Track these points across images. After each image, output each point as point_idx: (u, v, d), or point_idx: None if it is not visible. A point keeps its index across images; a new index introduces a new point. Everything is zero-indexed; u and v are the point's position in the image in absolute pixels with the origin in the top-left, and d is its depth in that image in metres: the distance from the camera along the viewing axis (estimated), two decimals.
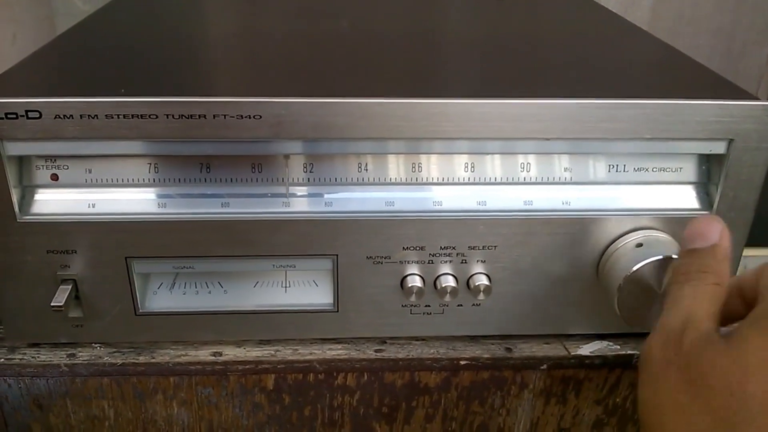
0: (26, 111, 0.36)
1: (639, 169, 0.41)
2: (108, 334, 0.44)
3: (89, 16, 0.58)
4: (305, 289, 0.44)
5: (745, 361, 0.28)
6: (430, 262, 0.42)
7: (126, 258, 0.41)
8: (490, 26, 0.61)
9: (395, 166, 0.41)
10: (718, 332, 0.31)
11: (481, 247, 0.42)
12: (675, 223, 0.41)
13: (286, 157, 0.40)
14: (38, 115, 0.36)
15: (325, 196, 0.41)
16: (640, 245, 0.40)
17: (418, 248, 0.42)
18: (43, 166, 0.39)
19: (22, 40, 0.81)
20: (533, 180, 0.41)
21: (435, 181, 0.41)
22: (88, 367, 0.43)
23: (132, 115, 0.36)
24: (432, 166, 0.41)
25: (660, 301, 0.37)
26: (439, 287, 0.42)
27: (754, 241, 0.43)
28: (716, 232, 0.35)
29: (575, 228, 0.41)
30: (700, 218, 0.36)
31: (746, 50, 1.18)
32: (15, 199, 0.38)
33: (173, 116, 0.37)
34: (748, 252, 0.44)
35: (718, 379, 0.29)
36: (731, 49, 1.17)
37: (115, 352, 0.44)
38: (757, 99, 0.39)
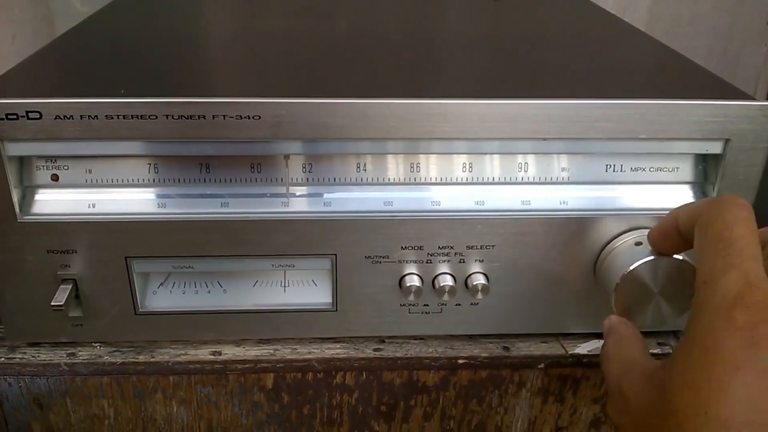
0: (27, 112, 0.36)
1: (636, 169, 0.42)
2: (108, 333, 0.44)
3: (89, 17, 0.59)
4: (304, 289, 0.44)
5: (669, 379, 0.29)
6: (429, 261, 0.42)
7: (126, 258, 0.41)
8: (487, 27, 0.62)
9: (394, 166, 0.41)
10: (650, 366, 0.33)
11: (479, 247, 0.42)
12: None
13: (286, 157, 0.40)
14: (38, 116, 0.36)
15: (324, 196, 0.41)
16: (638, 244, 0.40)
17: (416, 248, 0.42)
18: (43, 166, 0.39)
19: (22, 41, 0.81)
20: (531, 180, 0.42)
21: (433, 181, 0.41)
22: (88, 366, 0.43)
23: (132, 116, 0.37)
24: (430, 166, 0.41)
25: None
26: (437, 286, 0.42)
27: None
28: (605, 325, 0.39)
29: (573, 227, 0.42)
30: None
31: (744, 51, 1.18)
32: (15, 199, 0.39)
33: (173, 117, 0.37)
34: None
35: (648, 404, 0.31)
36: (729, 50, 1.17)
37: (114, 351, 0.44)
38: (753, 99, 0.39)
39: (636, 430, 0.32)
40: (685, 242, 0.34)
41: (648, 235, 0.38)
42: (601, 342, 0.45)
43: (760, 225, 0.31)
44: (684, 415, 0.27)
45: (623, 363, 0.35)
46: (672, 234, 0.35)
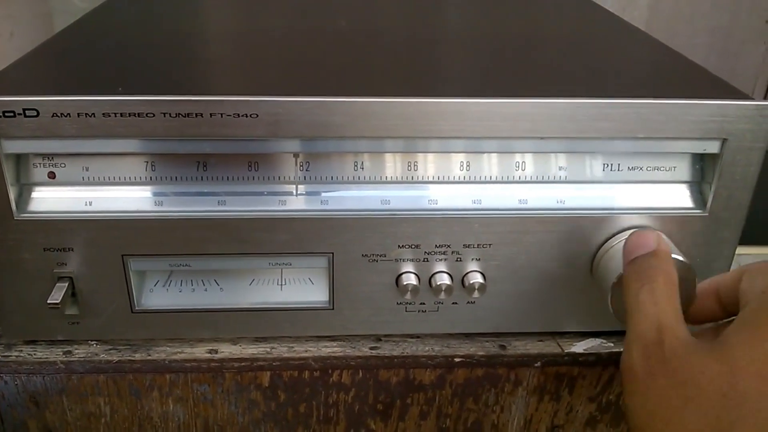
0: (24, 109, 0.36)
1: (633, 168, 0.42)
2: (104, 331, 0.44)
3: (87, 14, 0.59)
4: (301, 287, 0.44)
5: (734, 363, 0.29)
6: (425, 260, 0.42)
7: (122, 256, 0.41)
8: (486, 25, 0.61)
9: (391, 165, 0.41)
10: (691, 336, 0.32)
11: (476, 246, 0.42)
12: (669, 221, 0.42)
13: (283, 155, 0.40)
14: (36, 114, 0.36)
15: (322, 194, 0.41)
16: None
17: (413, 246, 0.42)
18: (40, 164, 0.39)
19: (20, 37, 0.81)
20: (528, 179, 0.42)
21: (431, 179, 0.41)
22: (85, 365, 0.43)
23: (129, 114, 0.37)
24: (428, 164, 0.41)
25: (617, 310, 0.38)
26: (434, 285, 0.42)
27: (748, 240, 0.44)
28: (653, 239, 0.37)
29: (569, 226, 0.42)
30: (636, 232, 0.38)
31: (743, 49, 1.18)
32: (12, 196, 0.38)
33: (170, 115, 0.37)
34: (741, 250, 0.44)
35: (709, 382, 0.30)
36: (728, 48, 1.17)
37: (111, 349, 0.44)
38: (750, 98, 0.39)
39: (676, 397, 0.30)
40: (721, 310, 0.35)
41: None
42: (597, 341, 0.45)
43: (748, 224, 0.32)
44: (749, 399, 0.28)
45: (669, 315, 0.33)
46: (709, 299, 0.36)
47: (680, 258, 0.38)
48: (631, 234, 0.39)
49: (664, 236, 0.39)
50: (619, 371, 0.34)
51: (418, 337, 0.46)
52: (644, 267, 0.36)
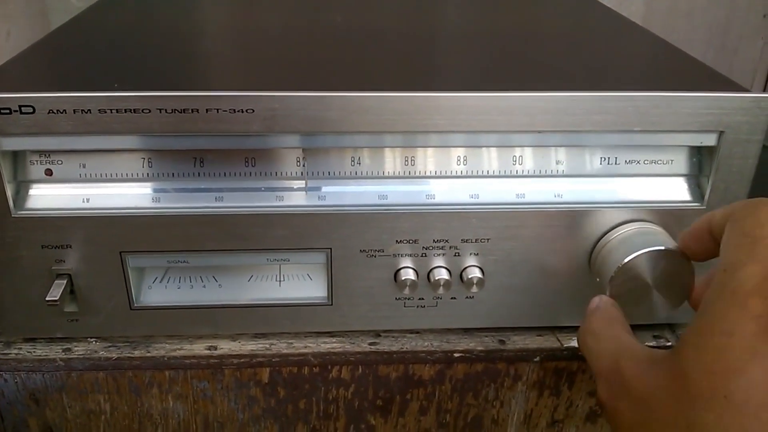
0: (20, 106, 0.36)
1: (630, 162, 0.42)
2: (103, 328, 0.44)
3: (83, 11, 0.59)
4: (299, 283, 0.44)
5: (684, 366, 0.29)
6: (424, 255, 0.42)
7: (120, 252, 0.41)
8: (482, 20, 0.61)
9: (389, 160, 0.41)
10: (645, 347, 0.33)
11: (474, 240, 0.42)
12: (666, 214, 0.42)
13: (280, 151, 0.40)
14: (32, 110, 0.36)
15: (319, 189, 0.41)
16: (631, 237, 0.40)
17: (411, 241, 0.42)
18: (37, 161, 0.39)
19: (16, 35, 0.81)
20: (526, 173, 0.42)
21: (428, 174, 0.41)
22: (84, 362, 0.43)
23: (125, 110, 0.37)
24: (426, 159, 0.41)
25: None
26: (432, 280, 0.42)
27: None
28: (594, 302, 0.38)
29: (567, 220, 0.42)
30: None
31: (741, 44, 1.18)
32: (9, 194, 0.38)
33: (166, 111, 0.37)
34: None
35: (665, 392, 0.30)
36: (726, 43, 1.17)
37: (110, 346, 0.44)
38: (747, 91, 0.39)
39: (637, 415, 0.31)
40: (715, 246, 0.34)
41: (679, 237, 0.38)
42: None
43: None
44: (702, 399, 0.28)
45: (618, 341, 0.35)
46: (704, 236, 0.35)
47: (678, 251, 0.38)
48: None
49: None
50: None
51: (417, 332, 0.46)
52: (585, 322, 0.37)
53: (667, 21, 1.12)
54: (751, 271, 0.28)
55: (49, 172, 0.40)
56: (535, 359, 0.45)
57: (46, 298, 0.40)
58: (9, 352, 0.43)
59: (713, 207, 0.41)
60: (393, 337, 0.46)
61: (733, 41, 1.18)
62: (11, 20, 0.81)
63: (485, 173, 0.41)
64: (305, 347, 0.45)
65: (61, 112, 0.36)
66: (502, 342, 0.45)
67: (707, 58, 1.17)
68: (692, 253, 0.37)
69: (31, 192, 0.40)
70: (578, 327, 0.46)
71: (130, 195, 0.40)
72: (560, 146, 0.41)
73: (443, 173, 0.41)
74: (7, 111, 0.36)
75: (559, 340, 0.46)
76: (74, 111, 0.36)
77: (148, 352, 0.44)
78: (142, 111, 0.37)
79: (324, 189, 0.41)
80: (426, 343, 0.45)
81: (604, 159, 0.42)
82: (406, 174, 0.41)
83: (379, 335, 0.46)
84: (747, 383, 0.27)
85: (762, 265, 0.29)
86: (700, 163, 0.42)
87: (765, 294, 0.28)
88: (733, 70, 1.20)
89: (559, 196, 0.42)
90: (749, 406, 0.27)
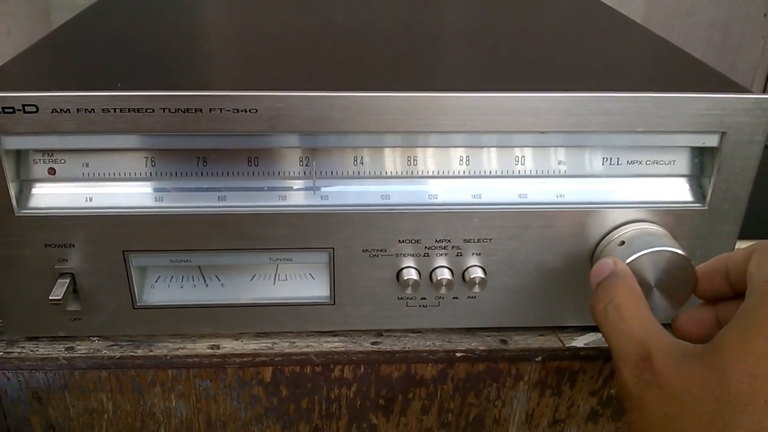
0: (23, 105, 0.36)
1: (633, 162, 0.42)
2: (106, 327, 0.44)
3: (85, 9, 0.59)
4: (302, 282, 0.44)
5: (724, 365, 0.29)
6: (426, 255, 0.42)
7: (123, 251, 0.41)
8: (484, 20, 0.61)
9: (391, 160, 0.41)
10: (677, 341, 0.32)
11: (476, 240, 0.42)
12: (668, 215, 0.42)
13: (283, 150, 0.40)
14: (35, 110, 0.36)
15: (322, 189, 0.41)
16: (633, 238, 0.40)
17: (413, 241, 0.42)
18: (40, 160, 0.39)
19: (18, 33, 0.81)
20: (528, 173, 0.42)
21: (431, 174, 0.42)
22: (87, 361, 0.43)
23: (128, 109, 0.37)
24: (428, 159, 0.41)
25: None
26: (434, 280, 0.42)
27: (747, 234, 0.44)
28: (610, 263, 0.37)
29: (569, 221, 0.42)
30: (595, 264, 0.38)
31: (742, 43, 1.18)
32: (13, 193, 0.39)
33: (169, 110, 0.37)
34: (741, 245, 0.44)
35: (701, 388, 0.29)
36: (727, 42, 1.17)
37: (113, 345, 0.44)
38: (749, 92, 0.39)
39: (668, 408, 0.30)
40: (729, 289, 0.35)
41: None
42: (598, 336, 0.45)
43: (748, 218, 0.32)
44: (742, 402, 0.28)
45: (648, 328, 0.33)
46: (718, 277, 0.35)
47: (679, 252, 0.38)
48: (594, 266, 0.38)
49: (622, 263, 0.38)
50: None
51: (419, 331, 0.46)
52: (604, 287, 0.36)
53: (668, 19, 1.12)
54: None
55: (52, 171, 0.40)
56: (537, 359, 0.45)
57: (49, 297, 0.40)
58: (12, 350, 0.43)
59: (715, 207, 0.41)
60: (395, 336, 0.46)
61: (734, 40, 1.18)
62: (13, 17, 0.81)
63: (487, 173, 0.42)
64: (308, 346, 0.45)
65: (65, 112, 0.36)
66: (504, 342, 0.46)
67: (708, 56, 1.17)
68: (700, 291, 0.37)
69: (34, 191, 0.40)
70: (580, 327, 0.46)
71: (133, 194, 0.40)
72: (562, 146, 0.41)
73: (446, 173, 0.41)
74: (11, 110, 0.36)
75: (560, 340, 0.46)
76: (77, 110, 0.36)
77: (151, 351, 0.44)
78: (146, 110, 0.37)
79: (327, 189, 0.41)
80: (428, 343, 0.45)
81: (607, 159, 0.42)
82: (409, 174, 0.41)
83: (382, 335, 0.46)
84: None
85: None
86: (702, 164, 0.42)
87: None
88: (733, 68, 1.20)
89: (561, 196, 0.42)
90: None
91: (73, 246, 0.40)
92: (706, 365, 0.30)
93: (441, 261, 0.43)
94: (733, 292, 0.35)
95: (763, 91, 1.23)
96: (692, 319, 0.37)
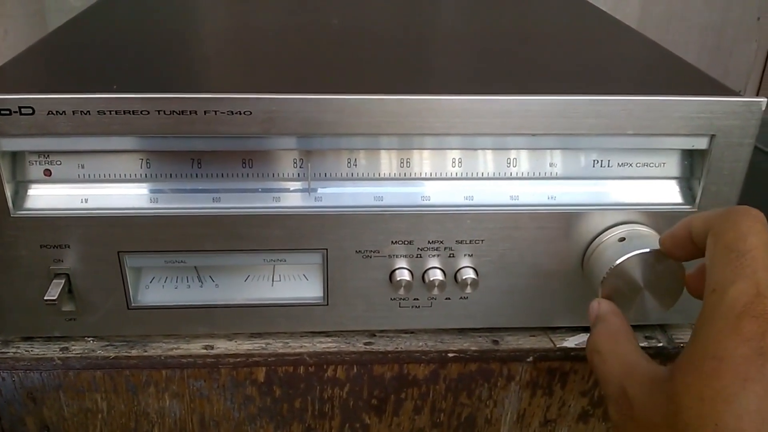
0: (19, 107, 0.36)
1: (623, 164, 0.42)
2: (101, 327, 0.44)
3: (81, 12, 0.59)
4: (295, 283, 0.44)
5: (676, 391, 0.29)
6: (419, 256, 0.43)
7: (118, 252, 0.41)
8: (478, 23, 0.62)
9: (385, 162, 0.41)
10: (650, 368, 0.33)
11: (468, 241, 0.42)
12: (658, 217, 0.42)
13: (277, 152, 0.40)
14: (31, 111, 0.36)
15: (316, 191, 0.41)
16: (623, 239, 0.40)
17: (406, 242, 0.42)
18: (36, 161, 0.40)
19: (14, 35, 0.81)
20: (520, 175, 0.42)
21: (424, 176, 0.42)
22: (81, 361, 0.43)
23: (124, 111, 0.37)
24: (421, 161, 0.42)
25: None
26: (427, 281, 0.43)
27: None
28: (593, 309, 0.38)
29: (561, 222, 0.42)
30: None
31: (735, 46, 1.19)
32: (8, 194, 0.39)
33: (164, 112, 0.37)
34: None
35: (662, 417, 0.30)
36: (720, 45, 1.18)
37: (107, 345, 0.44)
38: (738, 95, 0.39)
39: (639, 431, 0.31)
40: (697, 250, 0.34)
41: (660, 241, 0.38)
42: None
43: None
44: (693, 426, 0.27)
45: (623, 362, 0.34)
46: (685, 241, 0.35)
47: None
48: None
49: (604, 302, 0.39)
50: None
51: (411, 332, 0.47)
52: (591, 336, 0.37)
53: (662, 23, 1.13)
54: (739, 290, 0.28)
55: (48, 173, 0.40)
56: (528, 359, 0.46)
57: (45, 298, 0.40)
58: (7, 350, 0.44)
59: (705, 209, 0.42)
60: (388, 337, 0.46)
61: (728, 43, 1.19)
62: (9, 20, 0.81)
63: (480, 175, 0.42)
64: (301, 347, 0.45)
65: (61, 114, 0.37)
66: (495, 342, 0.46)
67: (701, 59, 1.18)
68: (674, 256, 0.37)
69: (30, 192, 0.40)
70: (571, 327, 0.47)
71: (129, 195, 0.40)
72: (554, 149, 0.42)
73: (438, 175, 0.42)
74: (7, 112, 0.36)
75: (552, 341, 0.46)
76: (73, 112, 0.37)
77: (145, 352, 0.44)
78: (141, 112, 0.37)
79: (320, 190, 0.41)
80: (420, 343, 0.46)
81: (597, 161, 0.42)
82: (402, 176, 0.42)
83: (374, 335, 0.46)
84: (738, 412, 0.26)
85: (750, 281, 0.28)
86: (692, 166, 0.42)
87: (756, 313, 0.27)
88: (727, 72, 1.21)
89: (552, 198, 0.42)
90: None
91: (69, 247, 0.41)
92: (663, 393, 0.30)
93: (433, 262, 0.43)
94: (700, 253, 0.34)
95: (756, 95, 1.23)
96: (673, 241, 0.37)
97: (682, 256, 0.36)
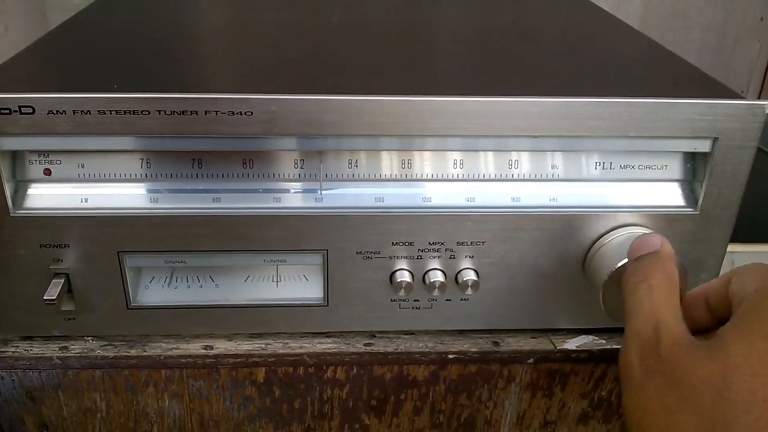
0: (20, 106, 0.36)
1: (625, 167, 0.42)
2: (100, 327, 0.44)
3: (82, 10, 0.59)
4: (296, 284, 0.44)
5: (728, 361, 0.29)
6: (419, 257, 0.43)
7: (118, 252, 0.41)
8: (479, 23, 0.62)
9: (386, 163, 0.41)
10: (689, 334, 0.32)
11: (469, 243, 0.42)
12: (660, 219, 0.42)
13: (278, 153, 0.40)
14: (31, 111, 0.36)
15: (316, 191, 0.41)
16: (624, 242, 0.40)
17: (407, 244, 0.42)
18: (36, 160, 0.40)
19: (14, 32, 0.81)
20: (521, 177, 0.42)
21: (425, 177, 0.42)
22: (81, 360, 0.43)
23: (124, 111, 0.37)
24: (422, 162, 0.42)
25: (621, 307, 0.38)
26: (427, 282, 0.43)
27: (739, 238, 0.44)
28: (657, 241, 0.37)
29: (562, 224, 0.42)
30: (643, 234, 0.38)
31: (738, 46, 1.19)
32: (8, 193, 0.39)
33: (165, 112, 0.37)
34: (733, 248, 0.45)
35: (703, 381, 0.30)
36: (723, 45, 1.18)
37: (107, 345, 0.44)
38: (741, 98, 0.39)
39: (668, 398, 0.30)
40: (709, 316, 0.35)
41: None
42: (589, 338, 0.45)
43: (740, 221, 0.32)
44: (744, 399, 0.28)
45: (671, 306, 0.33)
46: (700, 304, 0.35)
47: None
48: (639, 237, 0.38)
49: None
50: (612, 368, 0.35)
51: (411, 333, 0.47)
52: (645, 264, 0.36)
53: (665, 22, 1.13)
54: None
55: (47, 172, 0.40)
56: (529, 361, 0.46)
57: (44, 297, 0.40)
58: (6, 350, 0.44)
59: (707, 212, 0.42)
60: (388, 338, 0.46)
61: (730, 43, 1.19)
62: (9, 16, 0.81)
63: (481, 177, 0.42)
64: (301, 347, 0.45)
65: (61, 113, 0.36)
66: (496, 344, 0.46)
67: (704, 59, 1.17)
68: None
69: (30, 191, 0.40)
70: (572, 329, 0.46)
71: (129, 195, 0.40)
72: (556, 151, 0.42)
73: (440, 176, 0.42)
74: (7, 111, 0.36)
75: (552, 343, 0.46)
76: (74, 112, 0.37)
77: (145, 351, 0.44)
78: (141, 112, 0.37)
79: (321, 191, 0.41)
80: (420, 344, 0.46)
81: (599, 164, 0.42)
82: (403, 177, 0.42)
83: (374, 336, 0.46)
84: None
85: None
86: (694, 169, 0.42)
87: None
88: (729, 71, 1.21)
89: (554, 200, 0.42)
90: None
91: (68, 246, 0.40)
92: (711, 359, 0.30)
93: (434, 263, 0.43)
94: (713, 321, 0.35)
95: (759, 95, 1.23)
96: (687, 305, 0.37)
97: (690, 319, 0.35)
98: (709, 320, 0.36)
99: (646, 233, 0.38)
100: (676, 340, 0.32)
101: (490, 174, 0.42)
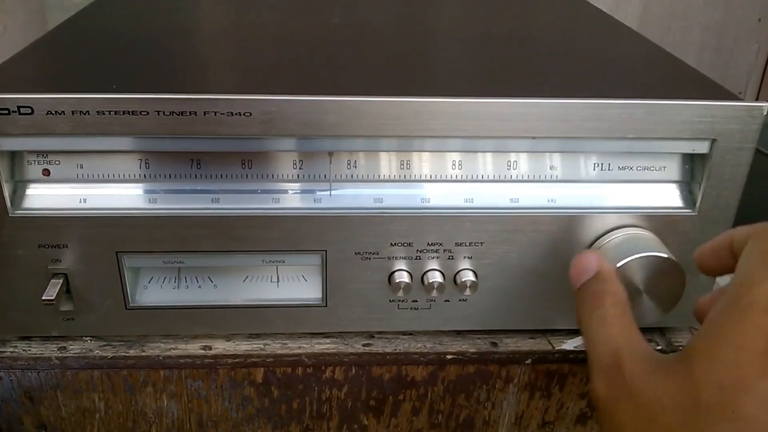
0: (18, 107, 0.36)
1: (624, 168, 0.42)
2: (99, 327, 0.44)
3: (81, 10, 0.59)
4: (294, 284, 0.44)
5: (693, 376, 0.29)
6: (418, 258, 0.43)
7: (117, 252, 0.41)
8: (478, 25, 0.62)
9: (384, 164, 0.41)
10: (651, 351, 0.32)
11: (467, 244, 0.42)
12: (658, 221, 0.42)
13: (276, 153, 0.40)
14: (30, 111, 0.36)
15: (315, 192, 0.41)
16: (622, 242, 0.40)
17: (405, 244, 0.42)
18: (34, 161, 0.40)
19: (13, 32, 0.81)
20: (520, 178, 0.42)
21: (424, 178, 0.42)
22: (79, 360, 0.43)
23: (123, 112, 0.37)
24: (421, 163, 0.42)
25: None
26: (426, 283, 0.43)
27: None
28: (594, 262, 0.36)
29: (560, 225, 0.42)
30: (576, 257, 0.37)
31: (737, 46, 1.19)
32: (7, 193, 0.39)
33: (164, 113, 0.37)
34: None
35: (671, 399, 0.29)
36: (722, 45, 1.18)
37: (105, 345, 0.44)
38: (739, 99, 0.39)
39: (637, 420, 0.30)
40: (734, 262, 0.33)
41: (695, 253, 0.36)
42: None
43: (738, 223, 0.31)
44: (712, 413, 0.28)
45: (627, 332, 0.33)
46: (724, 252, 0.34)
47: (670, 257, 0.39)
48: (573, 260, 0.37)
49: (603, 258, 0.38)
50: None
51: (410, 334, 0.47)
52: (590, 293, 0.36)
53: (664, 22, 1.13)
54: (766, 289, 0.28)
55: (46, 172, 0.40)
56: (527, 361, 0.46)
57: (42, 297, 0.40)
58: (4, 350, 0.44)
59: (705, 213, 0.42)
60: (386, 338, 0.46)
61: (729, 44, 1.19)
62: (8, 15, 0.81)
63: (480, 178, 0.42)
64: (299, 348, 0.45)
65: (60, 113, 0.36)
66: (494, 344, 0.46)
67: (703, 59, 1.18)
68: (708, 267, 0.36)
69: (29, 192, 0.40)
70: (570, 330, 0.46)
71: (127, 196, 0.40)
72: (555, 152, 0.42)
73: (438, 177, 0.42)
74: (6, 111, 0.36)
75: (550, 343, 0.46)
76: (73, 112, 0.37)
77: (143, 352, 0.44)
78: (140, 113, 0.37)
79: (320, 192, 0.41)
80: (419, 345, 0.46)
81: (598, 165, 0.42)
82: (402, 177, 0.42)
83: (373, 336, 0.46)
84: (756, 400, 0.27)
85: None
86: (693, 170, 0.42)
87: None
88: (728, 72, 1.21)
89: (552, 201, 0.42)
90: (756, 423, 0.27)
91: (67, 246, 0.41)
92: (676, 375, 0.29)
93: (433, 264, 0.43)
94: (736, 263, 0.34)
95: (757, 96, 1.23)
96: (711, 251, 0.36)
97: (715, 266, 0.35)
98: (733, 265, 0.35)
99: (579, 254, 0.37)
100: (638, 362, 0.31)
101: (489, 175, 0.42)
